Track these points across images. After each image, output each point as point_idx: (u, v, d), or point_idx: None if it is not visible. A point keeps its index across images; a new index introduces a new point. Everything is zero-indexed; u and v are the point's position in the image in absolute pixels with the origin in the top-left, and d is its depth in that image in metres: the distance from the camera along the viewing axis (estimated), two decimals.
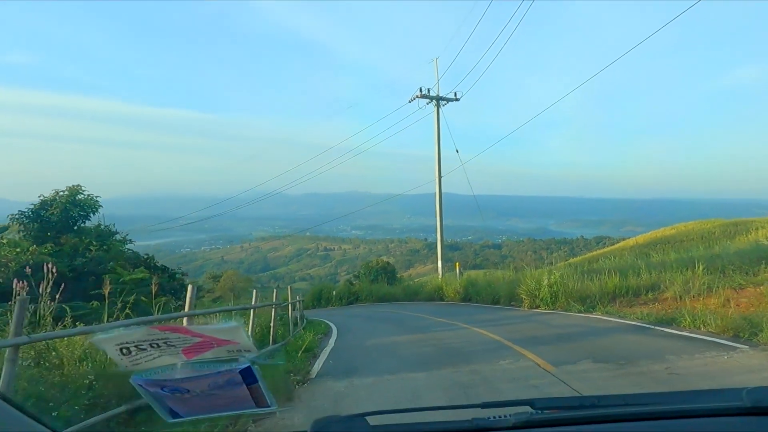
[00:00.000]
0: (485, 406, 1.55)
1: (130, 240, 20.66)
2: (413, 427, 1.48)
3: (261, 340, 10.43)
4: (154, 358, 1.37)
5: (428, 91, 26.85)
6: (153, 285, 8.78)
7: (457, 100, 27.40)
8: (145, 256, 20.59)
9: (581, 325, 12.48)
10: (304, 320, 18.39)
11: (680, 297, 14.72)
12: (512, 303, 19.68)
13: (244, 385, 1.41)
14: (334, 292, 32.17)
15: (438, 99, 27.13)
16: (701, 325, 10.28)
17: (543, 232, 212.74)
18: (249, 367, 1.37)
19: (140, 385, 1.38)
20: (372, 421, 1.43)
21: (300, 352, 9.49)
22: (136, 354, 1.35)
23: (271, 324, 11.46)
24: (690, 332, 9.98)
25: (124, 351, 1.34)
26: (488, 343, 10.50)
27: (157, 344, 1.34)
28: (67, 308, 9.08)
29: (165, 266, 19.18)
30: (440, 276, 27.39)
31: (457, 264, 28.51)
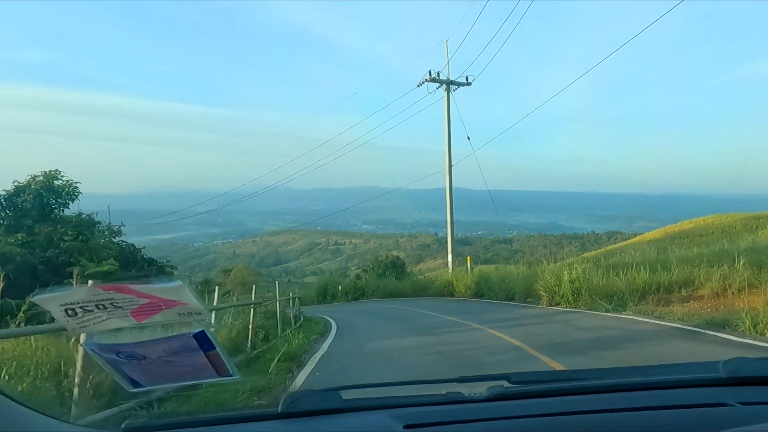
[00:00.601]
0: (462, 380, 1.52)
1: (118, 231, 19.06)
2: (387, 401, 1.45)
3: (235, 347, 8.69)
4: (102, 320, 1.28)
5: (438, 74, 24.99)
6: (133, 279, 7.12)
7: (468, 84, 25.53)
8: (134, 249, 19.03)
9: (614, 327, 10.66)
10: (301, 318, 16.73)
11: (719, 294, 12.94)
12: (528, 300, 17.91)
13: (201, 352, 1.33)
14: (339, 288, 30.53)
15: (449, 83, 25.23)
16: (767, 330, 8.45)
17: (554, 227, 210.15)
18: (203, 332, 1.30)
19: (94, 351, 1.32)
20: (345, 395, 1.40)
21: (275, 362, 7.72)
22: (83, 315, 1.27)
23: (250, 326, 9.82)
24: (755, 339, 8.14)
25: (69, 312, 1.26)
26: (507, 350, 8.73)
27: (103, 305, 1.26)
28: (13, 303, 7.64)
29: (152, 259, 17.56)
30: (450, 271, 25.64)
31: (469, 258, 26.74)
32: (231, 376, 1.41)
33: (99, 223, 17.81)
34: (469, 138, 25.33)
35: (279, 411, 1.39)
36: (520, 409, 1.37)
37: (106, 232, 17.89)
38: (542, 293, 16.25)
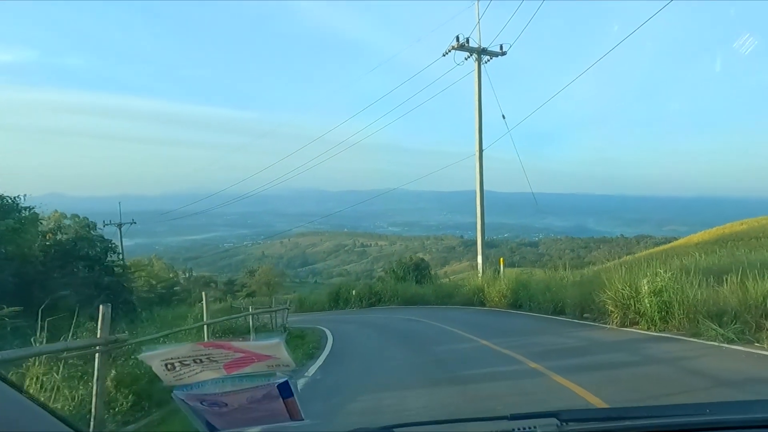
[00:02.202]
0: (513, 418, 1.49)
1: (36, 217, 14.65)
2: None
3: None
4: (196, 373, 1.33)
5: (467, 41, 20.50)
6: None
7: (503, 53, 20.95)
8: (75, 245, 14.81)
9: None
10: (283, 336, 12.48)
11: None
12: (586, 315, 13.30)
13: (281, 399, 1.38)
14: (353, 293, 26.22)
15: (480, 52, 20.70)
16: None
17: (581, 231, 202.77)
18: (286, 381, 1.35)
19: (181, 399, 1.36)
20: None
21: None
22: (180, 369, 1.32)
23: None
24: None
25: (169, 366, 1.31)
26: None
27: (200, 360, 1.31)
28: None
29: (98, 256, 13.38)
30: (480, 274, 21.11)
31: (502, 260, 22.12)
32: (302, 420, 1.43)
33: (27, 208, 13.80)
34: (504, 117, 20.86)
35: None
36: None
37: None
38: (611, 308, 11.61)
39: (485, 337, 10.90)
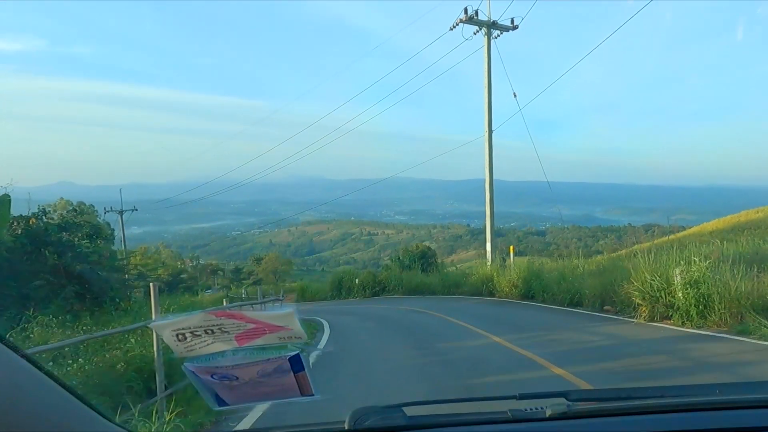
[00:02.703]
0: (522, 397, 1.49)
1: None
2: (451, 418, 1.43)
3: None
4: (208, 344, 1.30)
5: (476, 13, 18.93)
6: None
7: (514, 28, 19.37)
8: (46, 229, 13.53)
9: None
10: None
11: None
12: (607, 308, 12.02)
13: (292, 373, 1.34)
14: (356, 281, 25.03)
15: (489, 26, 19.15)
16: None
17: (589, 220, 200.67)
18: (297, 355, 1.31)
19: (191, 372, 1.32)
20: (409, 411, 1.38)
21: None
22: (191, 340, 1.29)
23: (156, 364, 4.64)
24: None
25: (180, 337, 1.28)
26: None
27: (212, 330, 1.27)
28: None
29: (71, 242, 11.85)
30: (489, 263, 19.80)
31: (512, 248, 20.80)
32: (313, 395, 1.40)
33: None
34: (515, 95, 19.38)
35: (346, 428, 1.35)
36: (583, 427, 1.37)
37: None
38: (638, 300, 10.30)
39: (497, 332, 9.65)
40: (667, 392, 1.50)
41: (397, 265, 27.50)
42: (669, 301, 9.81)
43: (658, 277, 10.10)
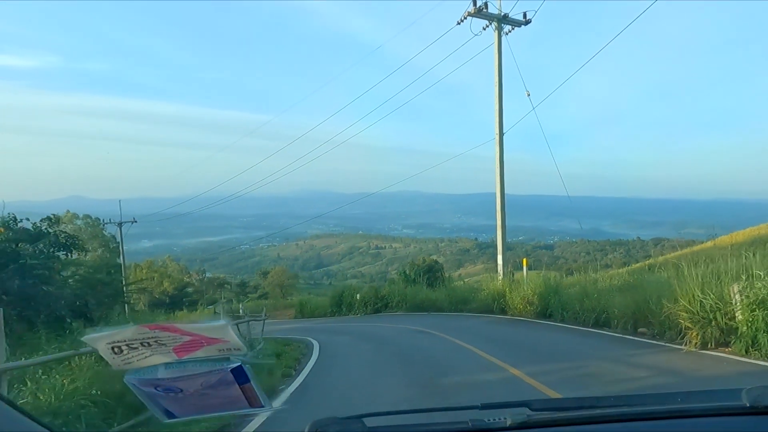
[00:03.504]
0: (484, 407, 1.48)
1: None
2: (411, 428, 1.42)
3: None
4: (146, 356, 1.28)
5: (485, 5, 17.21)
6: None
7: (526, 22, 17.65)
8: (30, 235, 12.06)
9: None
10: (256, 348, 9.51)
11: None
12: (640, 330, 10.13)
13: (237, 385, 1.32)
14: (357, 296, 23.17)
15: (500, 20, 17.37)
16: None
17: (597, 233, 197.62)
18: (240, 366, 1.29)
19: (134, 385, 1.31)
20: (369, 422, 1.36)
21: None
22: (128, 353, 1.27)
23: None
24: None
25: (116, 350, 1.26)
26: None
27: (148, 343, 1.26)
28: None
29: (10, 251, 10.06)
30: (500, 277, 17.91)
31: (525, 261, 18.94)
32: (263, 407, 1.39)
33: None
34: (528, 94, 17.61)
35: None
36: None
37: None
38: (686, 323, 8.40)
39: (515, 361, 7.79)
40: (630, 401, 1.50)
41: (402, 280, 25.63)
42: (726, 324, 7.92)
43: (711, 295, 8.22)
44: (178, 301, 68.33)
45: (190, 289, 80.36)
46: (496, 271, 18.72)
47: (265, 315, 13.60)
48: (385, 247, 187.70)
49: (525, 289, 15.71)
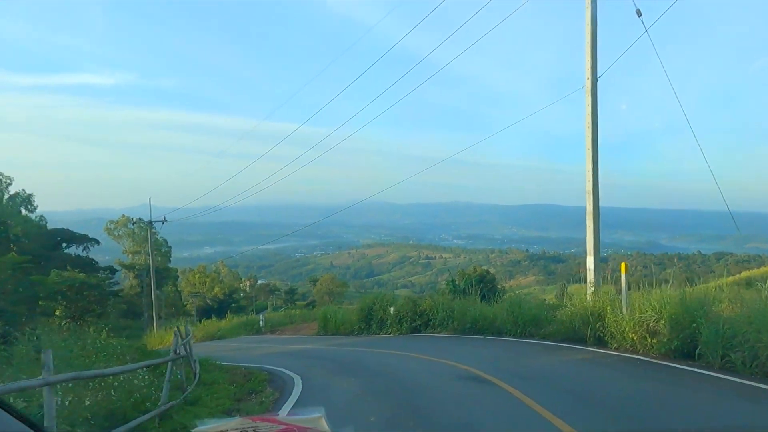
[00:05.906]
0: None
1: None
2: None
3: None
4: None
5: None
6: None
7: None
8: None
9: None
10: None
11: None
12: None
13: None
14: (391, 310, 17.37)
15: None
16: None
17: (653, 247, 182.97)
18: None
19: None
20: None
21: None
22: None
23: None
24: None
25: None
26: None
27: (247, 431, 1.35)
28: None
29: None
30: (591, 288, 11.72)
31: (624, 266, 12.51)
32: None
33: None
34: (639, 14, 11.50)
35: None
36: None
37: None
38: None
39: None
40: None
41: (449, 290, 19.59)
42: None
43: None
44: (226, 306, 64.96)
45: (240, 295, 77.13)
46: (588, 280, 12.45)
47: (190, 336, 8.30)
48: (435, 257, 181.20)
49: (643, 309, 9.46)
